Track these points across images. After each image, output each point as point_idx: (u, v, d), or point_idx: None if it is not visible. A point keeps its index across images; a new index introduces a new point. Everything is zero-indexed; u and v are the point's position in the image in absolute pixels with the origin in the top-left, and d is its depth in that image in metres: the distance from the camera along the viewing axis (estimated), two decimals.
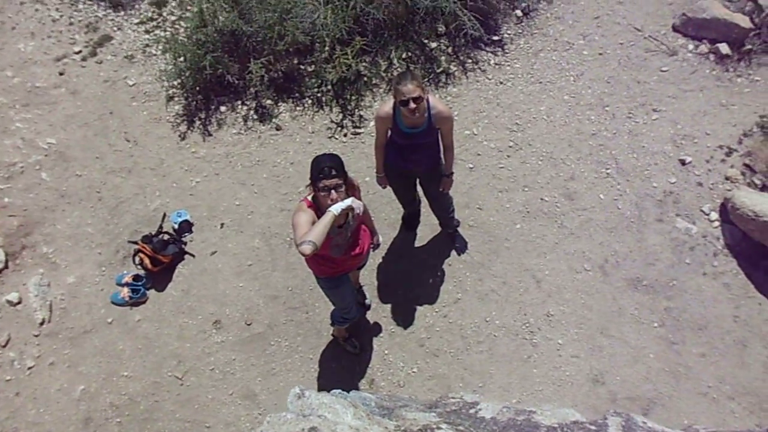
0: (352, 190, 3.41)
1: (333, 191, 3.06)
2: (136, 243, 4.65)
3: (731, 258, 4.65)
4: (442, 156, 3.99)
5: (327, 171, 3.05)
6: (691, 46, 5.36)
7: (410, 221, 4.76)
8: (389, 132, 3.80)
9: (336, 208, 3.07)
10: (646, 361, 4.38)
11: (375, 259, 4.66)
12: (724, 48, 5.23)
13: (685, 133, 5.05)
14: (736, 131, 4.98)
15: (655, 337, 4.44)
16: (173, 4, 5.59)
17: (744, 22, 5.22)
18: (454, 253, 4.71)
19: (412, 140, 3.73)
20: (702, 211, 4.81)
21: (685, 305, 4.53)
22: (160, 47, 5.34)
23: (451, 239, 4.73)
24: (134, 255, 4.64)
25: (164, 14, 5.56)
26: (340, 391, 2.35)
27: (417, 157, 3.87)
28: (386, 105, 3.64)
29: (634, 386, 4.31)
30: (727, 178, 4.86)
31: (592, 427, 2.03)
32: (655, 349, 4.41)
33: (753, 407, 4.18)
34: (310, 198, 3.28)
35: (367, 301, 4.55)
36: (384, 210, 4.81)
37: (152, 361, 4.42)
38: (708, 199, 4.84)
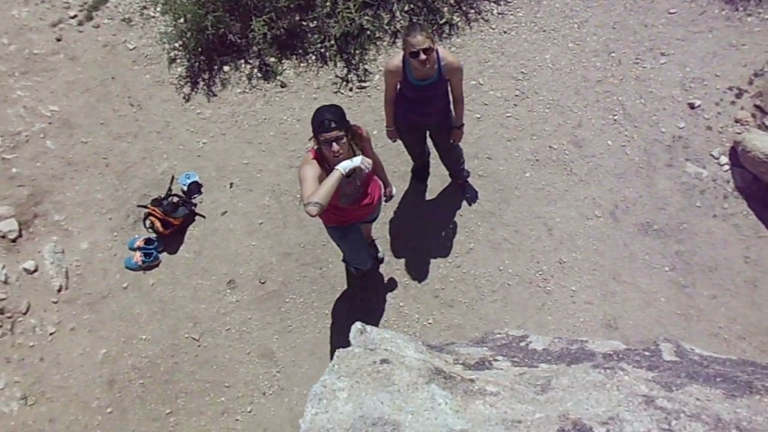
0: (361, 140, 3.39)
1: (334, 143, 3.03)
2: (146, 207, 4.65)
3: (742, 200, 4.66)
4: (452, 107, 3.96)
5: (327, 124, 3.01)
6: None
7: (420, 173, 4.75)
8: (398, 86, 3.75)
9: (344, 167, 3.06)
10: (657, 305, 4.43)
11: (386, 212, 4.66)
12: None
13: (694, 76, 4.99)
14: (747, 72, 4.92)
15: (666, 281, 4.48)
16: None
17: None
18: (465, 203, 4.71)
19: (422, 92, 3.69)
20: (712, 155, 4.79)
21: (695, 248, 4.56)
22: (159, 9, 5.22)
23: (461, 189, 4.73)
24: (145, 219, 4.65)
25: None
26: (386, 329, 2.39)
27: (428, 109, 3.84)
28: (395, 58, 3.60)
29: (647, 330, 4.37)
30: (737, 121, 4.82)
31: (646, 353, 2.07)
32: (666, 293, 4.45)
33: (764, 346, 4.25)
34: (316, 148, 3.26)
35: (380, 255, 4.58)
36: (393, 162, 4.79)
37: (169, 323, 4.48)
38: (718, 143, 4.82)
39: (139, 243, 4.60)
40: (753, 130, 4.70)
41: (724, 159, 4.76)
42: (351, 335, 2.06)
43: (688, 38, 5.09)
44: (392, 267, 4.58)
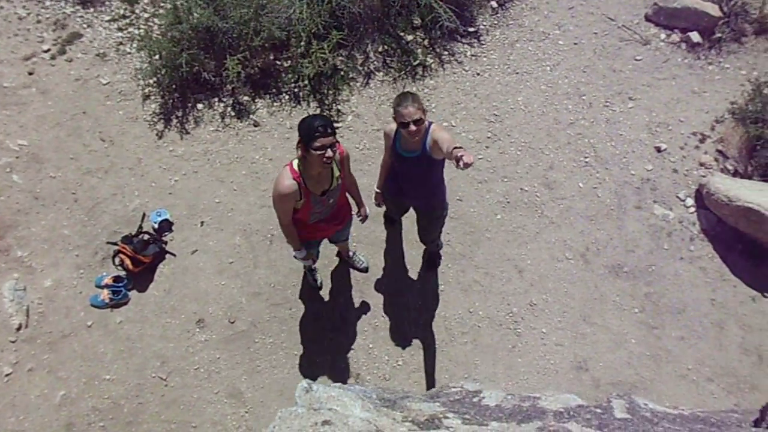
0: (341, 159, 3.43)
1: (329, 149, 3.04)
2: (115, 244, 4.57)
3: (707, 242, 4.75)
4: (444, 194, 3.89)
5: (323, 129, 3.00)
6: (663, 35, 5.44)
7: (392, 220, 4.75)
8: None
9: (298, 256, 3.64)
10: (627, 346, 4.45)
11: (357, 252, 4.65)
12: (695, 36, 5.32)
13: (660, 121, 5.13)
14: (709, 118, 5.07)
15: (636, 323, 4.52)
16: (146, 0, 5.48)
17: (713, 10, 5.31)
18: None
19: (403, 164, 3.61)
20: (678, 197, 4.90)
21: (663, 290, 4.62)
22: (135, 45, 5.23)
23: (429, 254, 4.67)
24: (114, 256, 4.57)
25: (137, 11, 5.44)
26: (340, 384, 2.34)
27: (409, 185, 3.74)
28: (393, 123, 3.51)
29: (617, 371, 4.38)
30: (701, 164, 4.95)
31: (598, 410, 2.06)
32: (636, 335, 4.49)
33: (731, 387, 4.28)
34: (296, 164, 3.23)
35: (363, 265, 4.60)
36: (366, 203, 4.79)
37: (135, 362, 4.36)
38: (684, 185, 4.93)
39: (108, 281, 4.50)
40: (716, 173, 4.82)
41: (690, 201, 4.87)
42: (297, 394, 2.01)
43: (654, 84, 5.25)
44: (362, 309, 4.54)
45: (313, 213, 3.42)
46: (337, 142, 3.14)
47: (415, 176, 3.66)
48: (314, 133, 3.01)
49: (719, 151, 4.95)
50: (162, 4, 5.33)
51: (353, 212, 3.96)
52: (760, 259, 4.62)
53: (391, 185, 3.90)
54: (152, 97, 5.20)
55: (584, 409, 1.99)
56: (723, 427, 1.95)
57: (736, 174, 4.83)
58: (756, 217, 4.42)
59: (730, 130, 4.95)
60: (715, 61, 5.31)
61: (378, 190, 4.09)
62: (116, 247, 4.55)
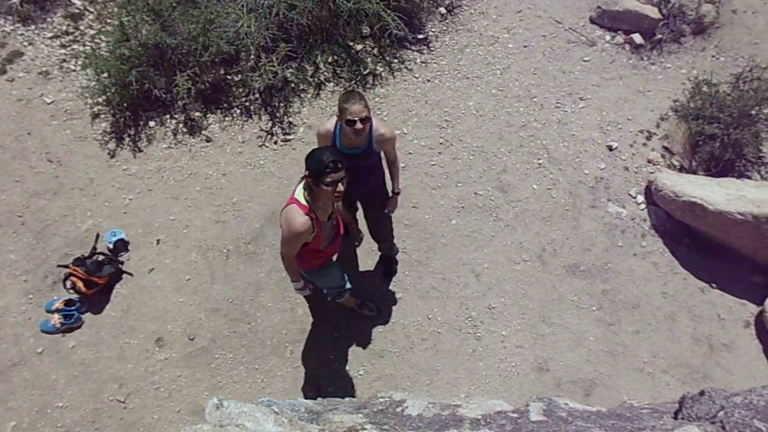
0: None
1: (339, 184, 3.04)
2: (66, 266, 4.48)
3: (657, 238, 4.85)
4: (385, 179, 3.92)
5: (332, 165, 2.98)
6: (608, 37, 5.56)
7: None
8: None
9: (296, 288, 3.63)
10: (586, 344, 4.51)
11: None
12: (637, 38, 5.45)
13: (610, 120, 5.23)
14: (654, 116, 5.19)
15: (594, 320, 4.58)
16: (90, 17, 5.40)
17: (653, 12, 5.46)
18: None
19: (348, 162, 3.62)
20: (630, 194, 4.99)
21: (619, 287, 4.69)
22: (79, 62, 5.15)
23: (385, 260, 4.69)
24: (65, 279, 4.47)
25: (81, 28, 5.36)
26: (267, 399, 2.32)
27: (356, 181, 3.69)
28: (327, 123, 3.55)
29: (577, 370, 4.43)
30: (649, 161, 5.06)
31: (514, 415, 2.08)
32: (594, 332, 4.55)
33: (685, 377, 4.37)
34: (301, 197, 3.18)
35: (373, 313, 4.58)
36: None
37: (91, 387, 4.28)
38: (634, 182, 5.03)
39: (59, 305, 4.41)
40: (664, 169, 4.93)
41: (641, 198, 4.96)
42: (207, 410, 1.99)
43: (602, 84, 5.35)
44: (321, 320, 4.52)
45: (324, 239, 3.40)
46: (347, 175, 3.10)
47: (360, 170, 3.66)
48: (325, 169, 2.98)
49: (665, 148, 5.07)
50: (109, 21, 5.26)
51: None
52: (707, 251, 4.73)
53: None
54: (102, 116, 5.13)
55: (501, 415, 2.01)
56: (636, 421, 1.99)
57: (682, 169, 4.95)
58: (700, 210, 4.52)
59: (674, 127, 5.07)
60: (657, 61, 5.44)
61: None
62: (67, 270, 4.46)
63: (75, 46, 5.31)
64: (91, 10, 5.38)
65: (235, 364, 4.40)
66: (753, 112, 4.84)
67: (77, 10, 5.35)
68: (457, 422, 1.99)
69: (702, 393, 2.18)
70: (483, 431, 1.87)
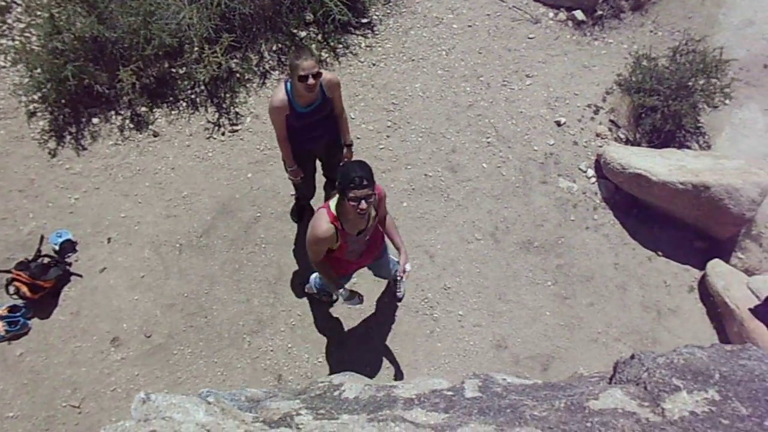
0: (380, 200, 3.33)
1: (363, 201, 2.92)
2: (8, 272, 4.34)
3: (608, 210, 4.94)
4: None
5: (357, 181, 2.86)
6: (551, 14, 5.60)
7: (300, 213, 4.73)
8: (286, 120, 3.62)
9: (343, 296, 3.54)
10: (543, 319, 4.58)
11: (268, 254, 4.60)
12: (579, 14, 5.52)
13: (557, 95, 5.28)
14: (600, 90, 5.27)
15: (549, 295, 4.65)
16: (18, 10, 5.19)
17: None
18: None
19: (311, 118, 3.61)
20: (580, 168, 5.06)
21: (573, 260, 4.77)
22: (9, 58, 4.96)
23: None
24: (7, 285, 4.34)
25: (9, 21, 5.14)
26: (207, 390, 2.30)
27: (318, 132, 3.76)
28: (278, 93, 3.49)
29: (535, 345, 4.51)
30: (597, 135, 5.14)
31: (449, 393, 2.10)
32: (550, 307, 4.62)
33: (636, 344, 4.49)
34: (332, 205, 3.13)
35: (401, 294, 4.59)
36: (270, 204, 4.75)
37: (42, 394, 4.17)
38: (584, 157, 5.10)
39: (2, 311, 4.28)
40: (611, 143, 5.02)
41: (591, 172, 5.05)
42: (132, 406, 1.97)
43: (548, 61, 5.40)
44: (277, 309, 4.50)
45: (349, 251, 3.34)
46: (374, 193, 2.99)
47: (320, 121, 3.68)
48: (349, 184, 2.88)
49: (612, 121, 5.15)
50: (39, 13, 5.05)
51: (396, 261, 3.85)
52: (653, 221, 4.85)
53: (301, 145, 3.82)
54: (39, 114, 4.97)
55: (436, 394, 2.03)
56: (568, 389, 2.03)
57: (627, 142, 5.05)
58: (645, 182, 4.62)
59: (618, 101, 5.16)
60: (600, 37, 5.51)
61: (292, 167, 3.96)
62: (9, 275, 4.33)
63: (3, 41, 5.10)
64: (19, 2, 5.17)
65: (194, 358, 4.36)
66: (690, 83, 4.95)
67: (3, 3, 5.12)
68: (391, 403, 2.00)
69: (632, 357, 2.24)
70: (416, 410, 1.88)
